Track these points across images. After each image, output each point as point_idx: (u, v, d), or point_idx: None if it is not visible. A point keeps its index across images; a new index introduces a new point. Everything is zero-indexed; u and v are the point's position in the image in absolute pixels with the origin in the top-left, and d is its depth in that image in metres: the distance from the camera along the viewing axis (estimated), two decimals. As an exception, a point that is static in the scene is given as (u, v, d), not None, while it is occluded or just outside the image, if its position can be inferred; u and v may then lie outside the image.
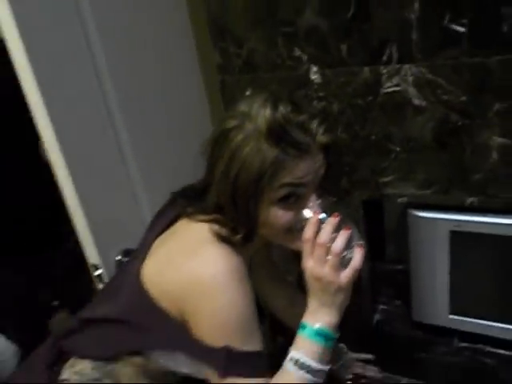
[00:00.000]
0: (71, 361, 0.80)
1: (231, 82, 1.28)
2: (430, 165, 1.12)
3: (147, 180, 1.18)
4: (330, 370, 0.69)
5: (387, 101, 1.09)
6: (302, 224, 0.71)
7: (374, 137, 1.14)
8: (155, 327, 0.72)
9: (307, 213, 0.72)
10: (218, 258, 0.68)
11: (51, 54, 0.94)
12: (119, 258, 1.06)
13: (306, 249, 0.68)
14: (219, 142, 0.72)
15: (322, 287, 0.67)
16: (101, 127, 1.08)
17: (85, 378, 0.77)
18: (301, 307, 0.71)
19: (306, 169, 0.70)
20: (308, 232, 0.68)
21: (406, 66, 1.03)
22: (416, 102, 1.06)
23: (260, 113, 0.69)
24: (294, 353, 0.67)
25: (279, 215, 0.71)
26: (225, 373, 0.65)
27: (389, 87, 1.07)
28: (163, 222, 0.83)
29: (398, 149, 1.13)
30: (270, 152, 0.67)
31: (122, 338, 0.76)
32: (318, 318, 0.67)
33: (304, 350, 0.66)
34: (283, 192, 0.69)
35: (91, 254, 1.10)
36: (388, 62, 1.05)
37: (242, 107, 0.72)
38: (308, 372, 0.65)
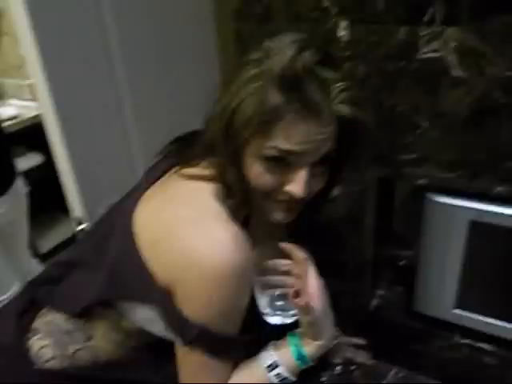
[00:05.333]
0: (45, 309, 0.77)
1: (247, 31, 1.15)
2: (459, 146, 1.01)
3: (144, 134, 1.09)
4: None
5: (422, 68, 0.97)
6: (281, 198, 0.66)
7: (400, 108, 1.03)
8: (136, 283, 0.66)
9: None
10: (226, 242, 0.60)
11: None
12: (105, 213, 0.98)
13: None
14: (234, 74, 0.64)
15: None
16: (99, 67, 0.98)
17: (56, 328, 0.74)
18: None
19: (305, 135, 0.60)
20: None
21: (450, 30, 0.91)
22: (455, 72, 0.94)
23: (281, 52, 0.60)
24: (279, 366, 0.70)
25: (259, 173, 0.64)
26: (191, 347, 0.64)
27: (426, 52, 0.95)
28: (156, 173, 0.75)
29: (425, 124, 1.01)
30: (273, 97, 0.59)
31: (97, 287, 0.71)
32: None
33: (287, 366, 0.69)
34: (270, 152, 0.62)
35: (75, 206, 1.03)
36: (429, 23, 0.92)
37: (271, 42, 0.63)
38: (280, 380, 0.70)
